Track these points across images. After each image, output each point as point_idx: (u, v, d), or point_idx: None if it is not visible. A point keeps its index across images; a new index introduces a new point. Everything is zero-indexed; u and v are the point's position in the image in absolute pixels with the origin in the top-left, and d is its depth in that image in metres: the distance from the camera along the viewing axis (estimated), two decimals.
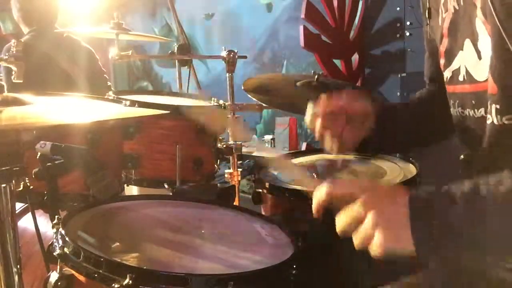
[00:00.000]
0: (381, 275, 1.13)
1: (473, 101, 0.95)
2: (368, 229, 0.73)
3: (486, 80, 0.89)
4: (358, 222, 0.74)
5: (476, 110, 0.94)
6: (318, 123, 1.10)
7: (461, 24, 0.96)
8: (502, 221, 0.70)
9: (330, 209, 0.78)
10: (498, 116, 0.88)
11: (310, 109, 1.12)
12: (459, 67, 0.98)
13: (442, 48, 1.03)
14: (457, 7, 0.97)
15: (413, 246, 0.71)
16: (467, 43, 0.94)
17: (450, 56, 1.00)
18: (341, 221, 0.76)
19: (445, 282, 0.96)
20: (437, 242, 0.71)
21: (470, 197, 0.72)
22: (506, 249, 0.71)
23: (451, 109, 1.03)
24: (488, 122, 0.90)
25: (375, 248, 0.72)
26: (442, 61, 1.04)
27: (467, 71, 0.96)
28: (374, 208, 0.73)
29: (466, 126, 0.99)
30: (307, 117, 1.13)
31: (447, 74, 1.02)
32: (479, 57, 0.92)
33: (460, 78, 0.98)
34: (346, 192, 0.77)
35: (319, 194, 0.78)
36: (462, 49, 0.96)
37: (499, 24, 0.81)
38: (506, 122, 0.87)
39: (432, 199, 0.74)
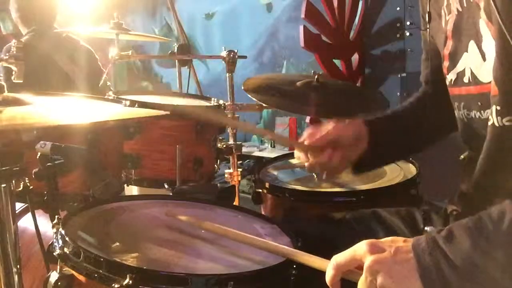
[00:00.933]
0: None
1: (479, 103, 0.94)
2: None
3: (491, 82, 0.89)
4: None
5: (482, 112, 0.94)
6: (306, 158, 1.16)
7: (465, 25, 0.96)
8: (508, 254, 0.69)
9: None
10: (499, 118, 0.87)
11: (297, 148, 1.18)
12: (464, 69, 0.98)
13: (446, 50, 1.02)
14: (460, 9, 0.96)
15: None
16: (472, 44, 0.94)
17: (455, 58, 1.00)
18: None
19: None
20: (448, 284, 0.70)
21: (475, 234, 0.71)
22: None
23: (456, 112, 1.03)
24: (489, 123, 0.90)
25: None
26: (446, 64, 1.03)
27: (472, 73, 0.95)
28: (381, 271, 0.72)
29: (472, 128, 0.99)
30: (296, 154, 1.20)
31: (451, 76, 1.02)
32: (484, 59, 0.91)
33: (465, 80, 0.97)
34: (350, 264, 0.77)
35: (328, 278, 0.78)
36: (466, 51, 0.96)
37: (502, 25, 0.80)
38: (506, 123, 0.87)
39: (435, 242, 0.73)
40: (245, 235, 0.98)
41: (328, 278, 0.78)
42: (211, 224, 1.03)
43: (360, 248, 0.76)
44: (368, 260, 0.74)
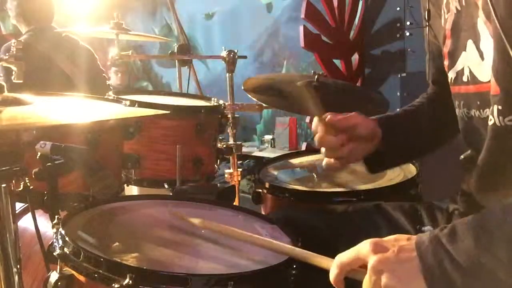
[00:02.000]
0: None
1: (478, 102, 0.94)
2: None
3: (489, 81, 0.89)
4: None
5: (481, 110, 0.94)
6: (320, 133, 1.13)
7: (463, 25, 0.96)
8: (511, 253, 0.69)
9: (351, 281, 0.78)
10: (500, 117, 0.87)
11: (317, 119, 1.15)
12: (463, 68, 0.98)
13: (446, 49, 1.02)
14: (459, 8, 0.96)
15: None
16: (470, 44, 0.94)
17: (454, 57, 1.00)
18: None
19: None
20: (451, 282, 0.70)
21: (478, 232, 0.71)
22: None
23: (457, 110, 1.03)
24: (490, 123, 0.89)
25: None
26: (446, 62, 1.03)
27: (470, 72, 0.95)
28: (385, 271, 0.72)
29: (472, 127, 0.99)
30: (314, 123, 1.16)
31: (451, 75, 1.02)
32: (482, 58, 0.91)
33: (464, 79, 0.97)
34: (354, 263, 0.77)
35: (332, 277, 0.78)
36: (465, 50, 0.96)
37: (499, 26, 0.80)
38: (508, 123, 0.87)
39: (438, 240, 0.73)
40: (248, 234, 0.98)
41: (332, 276, 0.78)
42: (215, 224, 1.02)
43: (364, 248, 0.76)
44: (372, 260, 0.74)
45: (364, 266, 0.76)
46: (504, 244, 0.69)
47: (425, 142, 1.26)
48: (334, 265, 0.78)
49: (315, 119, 1.15)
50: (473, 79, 0.95)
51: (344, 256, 0.78)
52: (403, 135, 1.21)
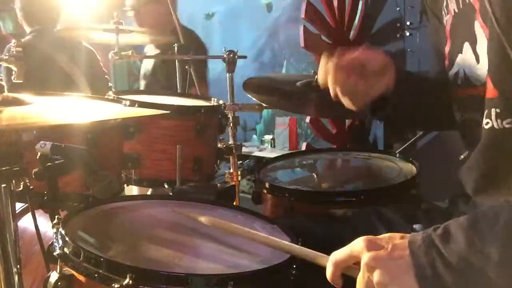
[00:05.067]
0: None
1: (471, 105, 0.95)
2: None
3: (484, 84, 0.89)
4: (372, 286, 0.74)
5: (474, 114, 0.94)
6: (330, 79, 1.06)
7: (461, 27, 0.96)
8: (503, 252, 0.69)
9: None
10: (499, 120, 0.87)
11: (323, 63, 1.07)
12: (458, 71, 0.98)
13: (447, 49, 1.03)
14: (456, 10, 0.97)
15: None
16: (466, 46, 0.94)
17: (451, 58, 1.00)
18: None
19: None
20: (442, 282, 0.71)
21: (470, 233, 0.72)
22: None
23: (455, 113, 1.04)
24: (488, 126, 0.89)
25: None
26: (446, 62, 1.04)
27: (464, 75, 0.96)
28: (377, 268, 0.73)
29: (466, 129, 1.00)
30: (319, 73, 1.09)
31: (449, 76, 1.03)
32: (478, 61, 0.92)
33: (459, 82, 0.98)
34: (348, 261, 0.77)
35: (328, 274, 0.78)
36: (461, 52, 0.96)
37: (498, 30, 0.80)
38: (506, 126, 0.87)
39: (431, 240, 0.73)
40: (247, 230, 0.97)
41: (328, 274, 0.79)
42: (215, 220, 1.02)
43: (358, 245, 0.77)
44: (365, 257, 0.74)
45: (358, 263, 0.76)
46: (495, 245, 0.69)
47: (421, 115, 1.18)
48: (329, 263, 0.79)
49: (319, 70, 1.08)
50: (467, 82, 0.95)
51: (338, 254, 0.79)
52: (414, 82, 1.13)
